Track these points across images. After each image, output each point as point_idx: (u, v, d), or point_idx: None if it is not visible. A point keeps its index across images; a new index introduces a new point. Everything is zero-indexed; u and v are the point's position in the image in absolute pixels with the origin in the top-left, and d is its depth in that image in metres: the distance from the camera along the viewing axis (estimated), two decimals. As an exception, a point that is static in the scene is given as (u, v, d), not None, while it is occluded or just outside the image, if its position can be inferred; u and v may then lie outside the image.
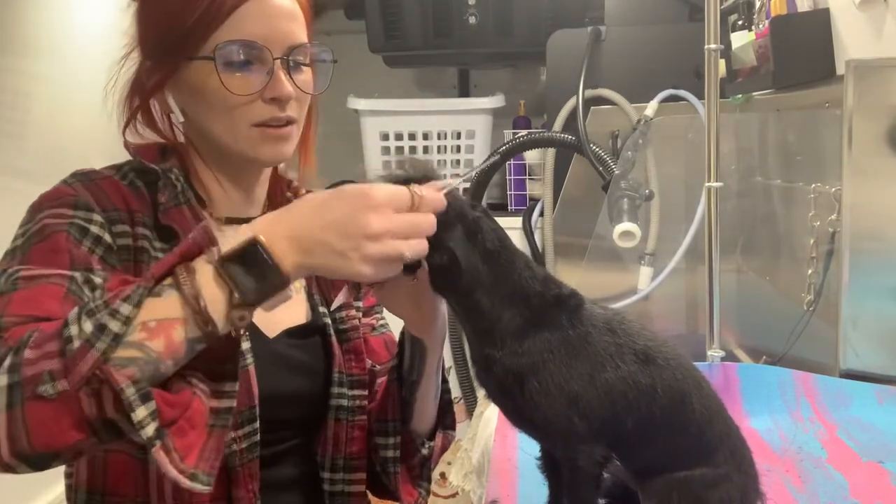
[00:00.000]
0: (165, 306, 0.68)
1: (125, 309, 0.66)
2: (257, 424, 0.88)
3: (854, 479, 1.08)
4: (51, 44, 1.86)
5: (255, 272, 0.68)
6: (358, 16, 2.38)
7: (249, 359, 0.87)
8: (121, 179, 0.89)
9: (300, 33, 0.90)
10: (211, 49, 0.85)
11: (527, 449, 0.88)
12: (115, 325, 0.66)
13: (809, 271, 1.44)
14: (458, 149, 2.29)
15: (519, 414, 0.82)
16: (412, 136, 2.26)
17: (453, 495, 2.18)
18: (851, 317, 1.32)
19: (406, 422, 0.99)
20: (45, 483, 1.61)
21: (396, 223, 0.70)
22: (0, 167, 1.68)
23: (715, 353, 1.43)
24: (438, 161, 2.27)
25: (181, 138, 0.96)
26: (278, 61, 0.87)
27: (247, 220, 0.89)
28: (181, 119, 0.92)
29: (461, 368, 2.19)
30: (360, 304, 1.05)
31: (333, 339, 0.99)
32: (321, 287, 1.02)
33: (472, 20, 2.17)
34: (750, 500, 0.84)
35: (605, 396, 0.79)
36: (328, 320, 0.99)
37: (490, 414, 1.36)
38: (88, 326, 0.66)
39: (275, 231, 0.69)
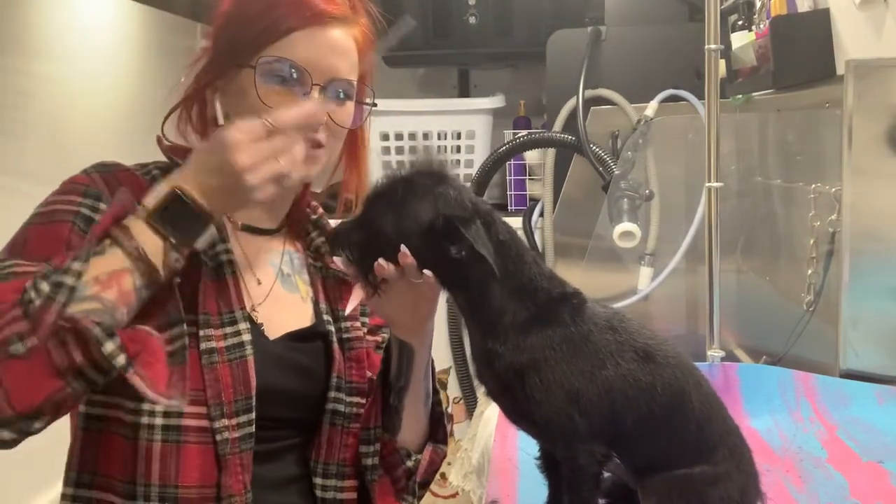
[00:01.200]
0: (112, 261, 0.77)
1: (76, 265, 0.75)
2: (253, 416, 0.89)
3: (854, 479, 1.08)
4: (51, 44, 1.86)
5: (181, 219, 0.79)
6: (358, 16, 2.38)
7: (249, 350, 0.89)
8: (143, 175, 0.92)
9: (347, 70, 0.94)
10: (260, 59, 0.89)
11: (527, 449, 0.88)
12: (69, 280, 0.74)
13: (809, 271, 1.44)
14: (458, 149, 2.29)
15: (519, 411, 0.83)
16: (412, 136, 2.26)
17: (453, 495, 2.18)
18: (851, 317, 1.32)
19: (394, 431, 0.99)
20: (46, 483, 1.61)
21: (259, 152, 0.79)
22: (0, 167, 1.68)
23: (715, 353, 1.44)
24: (442, 159, 2.26)
25: None
26: (317, 87, 0.91)
27: (262, 232, 1.00)
28: (221, 123, 0.95)
29: (461, 368, 2.19)
30: (367, 319, 1.06)
31: (335, 344, 0.99)
32: (328, 297, 1.03)
33: (472, 20, 2.17)
34: (749, 499, 0.85)
35: (606, 394, 0.79)
36: (332, 328, 1.01)
37: (490, 414, 1.36)
38: (45, 286, 0.74)
39: (186, 182, 0.80)
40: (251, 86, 0.90)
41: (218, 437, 0.86)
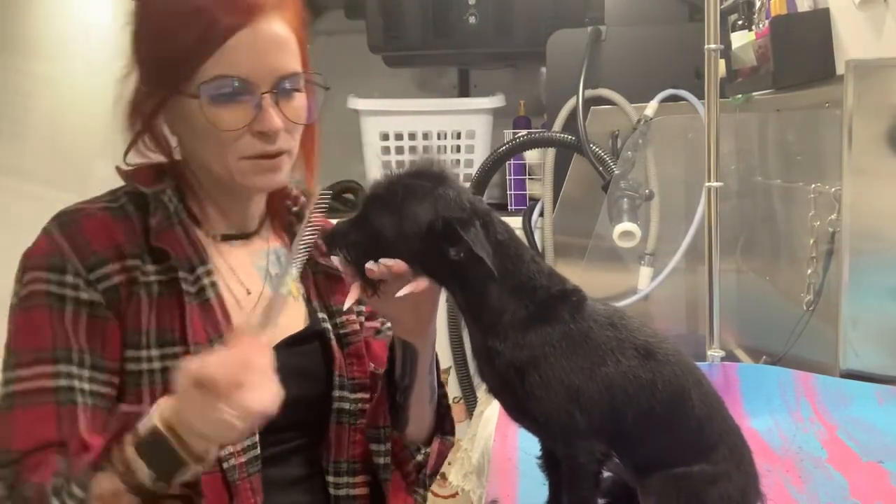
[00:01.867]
0: (111, 481, 0.78)
1: (77, 492, 0.77)
2: (256, 438, 0.88)
3: (854, 479, 1.08)
4: (51, 44, 1.85)
5: (164, 457, 0.77)
6: (358, 16, 2.38)
7: None
8: (113, 210, 0.90)
9: (291, 62, 0.88)
10: (199, 83, 0.84)
11: (527, 448, 0.88)
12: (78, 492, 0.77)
13: (809, 271, 1.44)
14: (458, 149, 2.28)
15: (520, 408, 0.83)
16: (412, 136, 2.26)
17: (453, 495, 2.18)
18: (851, 317, 1.32)
19: (402, 428, 0.99)
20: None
21: (234, 401, 0.73)
22: (0, 167, 1.68)
23: (715, 353, 1.43)
24: (441, 159, 2.26)
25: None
26: (266, 95, 0.86)
27: (244, 237, 0.98)
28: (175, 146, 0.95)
29: (461, 368, 2.19)
30: (363, 307, 1.05)
31: (333, 342, 0.99)
32: (321, 293, 1.02)
33: (472, 20, 2.17)
34: (749, 499, 0.85)
35: (606, 390, 0.79)
36: (328, 325, 1.00)
37: (490, 413, 1.36)
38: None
39: (172, 424, 0.76)
40: (197, 110, 0.85)
41: (225, 465, 0.85)
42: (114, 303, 0.86)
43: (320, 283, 1.02)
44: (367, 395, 1.00)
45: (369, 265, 0.80)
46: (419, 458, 1.00)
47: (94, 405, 0.84)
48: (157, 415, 0.77)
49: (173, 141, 0.93)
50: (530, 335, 0.79)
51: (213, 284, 0.91)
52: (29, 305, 0.85)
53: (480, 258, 0.77)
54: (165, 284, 0.88)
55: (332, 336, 0.99)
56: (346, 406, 0.98)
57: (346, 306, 0.93)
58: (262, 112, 0.86)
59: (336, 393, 0.98)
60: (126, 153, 0.94)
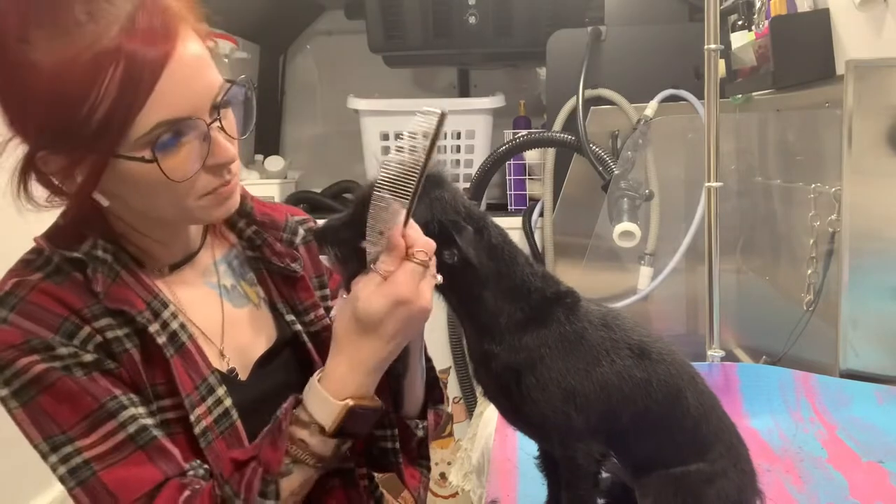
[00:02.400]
0: (299, 477, 0.81)
1: (271, 490, 0.79)
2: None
3: (854, 479, 1.08)
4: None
5: (359, 424, 0.82)
6: (358, 16, 2.38)
7: (234, 414, 0.86)
8: (49, 277, 0.80)
9: (216, 75, 0.79)
10: (141, 140, 0.73)
11: (527, 449, 0.88)
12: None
13: (809, 271, 1.44)
14: (458, 149, 2.28)
15: (516, 411, 0.83)
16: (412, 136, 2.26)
17: (453, 495, 2.18)
18: (851, 317, 1.32)
19: (398, 408, 0.99)
20: (46, 483, 1.61)
21: (413, 276, 0.77)
22: (0, 167, 1.68)
23: (715, 353, 1.43)
24: (439, 161, 2.26)
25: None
26: (213, 126, 0.77)
27: (192, 257, 0.92)
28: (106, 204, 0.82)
29: (461, 368, 2.19)
30: (327, 291, 1.02)
31: (309, 345, 0.96)
32: (283, 294, 0.97)
33: (472, 20, 2.17)
34: (747, 497, 0.85)
35: (601, 391, 0.79)
36: (298, 327, 0.96)
37: (490, 414, 1.36)
38: None
39: (351, 384, 0.81)
40: (140, 169, 0.74)
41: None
42: (110, 357, 0.81)
43: (279, 284, 0.97)
44: None
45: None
46: (420, 433, 1.00)
47: (171, 434, 0.82)
48: (321, 393, 0.80)
49: (103, 201, 0.81)
50: (526, 338, 0.79)
51: (183, 326, 0.86)
52: (44, 386, 0.77)
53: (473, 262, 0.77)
54: (138, 335, 0.82)
55: (306, 339, 0.96)
56: None
57: (333, 314, 0.87)
58: (214, 144, 0.78)
59: None
60: (51, 232, 0.84)
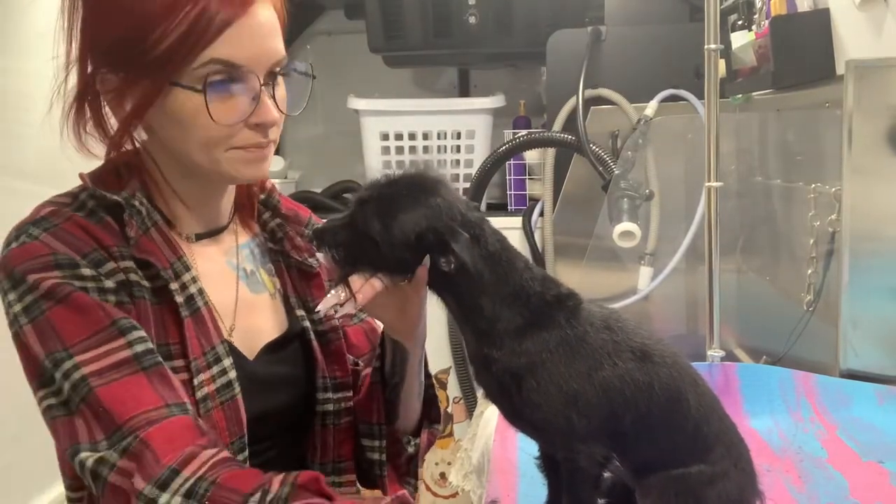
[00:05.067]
0: None
1: None
2: (247, 453, 0.86)
3: (854, 479, 1.08)
4: (50, 44, 1.85)
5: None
6: (358, 16, 2.38)
7: (237, 388, 0.86)
8: (83, 215, 0.83)
9: (280, 47, 0.85)
10: (196, 73, 0.79)
11: (527, 449, 0.88)
12: None
13: (809, 271, 1.44)
14: (458, 149, 2.29)
15: (518, 414, 0.82)
16: (412, 136, 2.26)
17: (453, 495, 2.18)
18: (851, 317, 1.32)
19: (391, 421, 0.99)
20: (46, 483, 1.61)
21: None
22: (0, 167, 1.68)
23: (715, 353, 1.43)
24: (438, 161, 2.27)
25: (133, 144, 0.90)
26: (265, 87, 0.82)
27: (215, 234, 0.93)
28: (143, 136, 0.88)
29: (461, 368, 2.19)
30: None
31: (315, 343, 0.97)
32: (297, 289, 0.99)
33: (472, 20, 2.17)
34: (748, 498, 0.84)
35: (604, 394, 0.79)
36: (307, 323, 0.98)
37: (490, 414, 1.36)
38: None
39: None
40: (189, 102, 0.79)
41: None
42: (126, 301, 0.82)
43: (295, 278, 0.99)
44: (348, 394, 0.99)
45: (362, 286, 0.79)
46: (410, 449, 1.00)
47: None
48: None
49: (140, 133, 0.87)
50: (526, 342, 0.79)
51: (201, 292, 0.87)
52: (58, 299, 0.77)
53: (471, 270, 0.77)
54: (156, 293, 0.84)
55: (312, 336, 0.97)
56: (330, 407, 0.97)
57: (320, 312, 0.85)
58: (261, 105, 0.82)
59: (320, 395, 0.97)
60: (77, 144, 0.88)
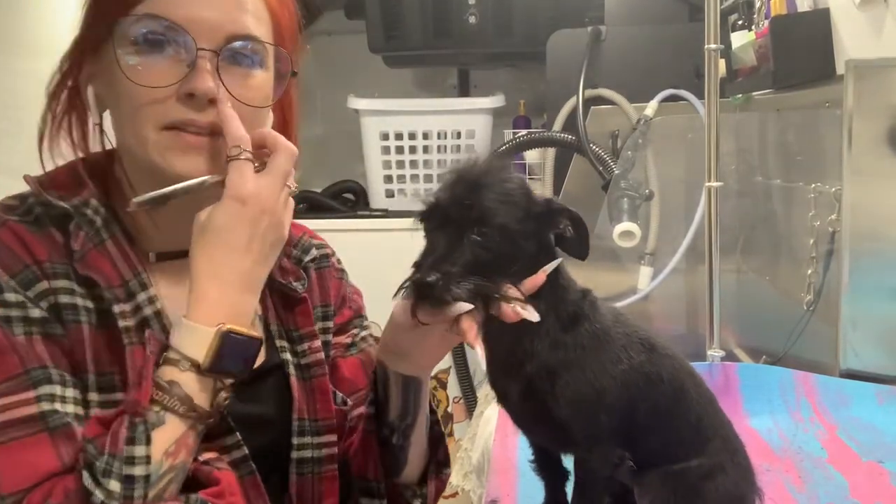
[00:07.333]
0: (172, 429, 0.70)
1: (140, 451, 0.68)
2: (238, 436, 0.79)
3: (854, 479, 1.08)
4: (50, 44, 1.85)
5: (235, 357, 0.72)
6: (358, 16, 2.38)
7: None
8: (27, 223, 0.76)
9: (250, 23, 0.74)
10: (131, 30, 0.71)
11: (527, 449, 0.88)
12: (139, 470, 0.67)
13: (809, 271, 1.44)
14: (458, 149, 2.29)
15: (542, 416, 0.78)
16: (412, 136, 2.26)
17: (453, 495, 2.18)
18: (851, 317, 1.32)
19: (398, 471, 0.89)
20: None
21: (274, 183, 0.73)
22: (0, 167, 1.68)
23: (715, 353, 1.43)
24: (439, 161, 2.27)
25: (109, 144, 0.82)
26: (205, 53, 0.71)
27: (182, 255, 0.77)
28: (97, 122, 0.80)
29: (461, 369, 2.19)
30: (330, 324, 0.93)
31: (293, 378, 0.86)
32: (279, 316, 0.88)
33: (472, 20, 2.17)
34: (744, 491, 0.84)
35: (624, 389, 0.78)
36: (288, 356, 0.86)
37: (490, 413, 1.36)
38: (115, 485, 0.66)
39: (220, 308, 0.71)
40: (120, 66, 0.70)
41: (219, 465, 0.76)
42: (58, 322, 0.73)
43: (278, 304, 0.88)
44: (333, 438, 0.87)
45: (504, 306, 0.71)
46: (417, 503, 0.90)
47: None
48: (191, 323, 0.70)
49: (95, 117, 0.79)
50: (566, 336, 0.77)
51: (159, 315, 0.77)
52: None
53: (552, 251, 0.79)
54: (102, 315, 0.75)
55: (292, 370, 0.86)
56: (308, 454, 0.85)
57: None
58: (194, 70, 0.71)
59: (295, 441, 0.85)
60: (41, 142, 0.82)
